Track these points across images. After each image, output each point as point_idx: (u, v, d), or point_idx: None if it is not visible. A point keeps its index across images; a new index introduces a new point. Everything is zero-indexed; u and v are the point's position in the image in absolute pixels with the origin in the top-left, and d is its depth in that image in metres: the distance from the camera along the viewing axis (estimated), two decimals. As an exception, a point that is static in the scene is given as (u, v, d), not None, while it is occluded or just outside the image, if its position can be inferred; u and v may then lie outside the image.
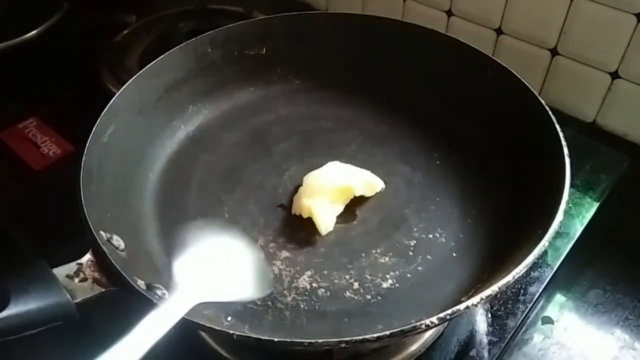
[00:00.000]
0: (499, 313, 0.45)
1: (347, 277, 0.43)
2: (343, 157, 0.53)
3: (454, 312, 0.32)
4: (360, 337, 0.31)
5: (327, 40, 0.59)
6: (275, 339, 0.32)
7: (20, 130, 0.64)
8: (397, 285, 0.43)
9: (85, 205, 0.39)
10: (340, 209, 0.48)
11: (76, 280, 0.35)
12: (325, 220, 0.46)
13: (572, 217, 0.52)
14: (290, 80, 0.61)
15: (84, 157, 0.42)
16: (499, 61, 0.51)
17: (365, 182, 0.49)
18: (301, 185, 0.49)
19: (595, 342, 0.45)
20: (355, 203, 0.48)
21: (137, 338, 0.30)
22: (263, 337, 0.32)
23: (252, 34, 0.58)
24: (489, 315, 0.45)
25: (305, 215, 0.47)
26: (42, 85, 0.72)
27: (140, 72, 0.51)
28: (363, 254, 0.45)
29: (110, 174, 0.46)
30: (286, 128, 0.57)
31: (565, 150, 0.41)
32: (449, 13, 0.67)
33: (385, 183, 0.50)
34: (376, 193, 0.49)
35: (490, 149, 0.52)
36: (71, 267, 0.35)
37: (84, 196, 0.39)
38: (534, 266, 0.48)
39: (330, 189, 0.47)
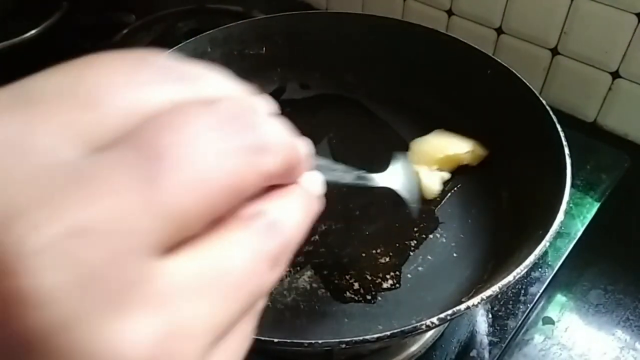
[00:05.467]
0: (500, 313, 0.45)
1: (347, 277, 0.43)
2: (343, 157, 0.53)
3: (454, 313, 0.32)
4: (361, 338, 0.31)
5: (326, 40, 0.59)
6: (275, 340, 0.32)
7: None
8: (397, 285, 0.43)
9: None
10: (447, 176, 0.50)
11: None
12: (430, 185, 0.48)
13: (573, 217, 0.52)
14: (290, 80, 0.61)
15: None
16: (499, 61, 0.50)
17: (472, 151, 0.50)
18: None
19: (596, 343, 0.44)
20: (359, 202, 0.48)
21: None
22: (262, 338, 0.32)
23: (252, 33, 0.58)
24: (490, 316, 0.45)
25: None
26: (42, 85, 0.71)
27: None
28: (363, 254, 0.45)
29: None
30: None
31: (566, 150, 0.41)
32: (450, 12, 0.67)
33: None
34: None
35: (490, 149, 0.51)
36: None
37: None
38: (535, 266, 0.48)
39: (438, 157, 0.49)
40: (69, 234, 0.10)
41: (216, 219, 0.12)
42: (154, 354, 0.10)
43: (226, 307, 0.12)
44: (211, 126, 0.12)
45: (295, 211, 0.14)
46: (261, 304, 0.15)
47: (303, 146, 0.15)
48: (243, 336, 0.14)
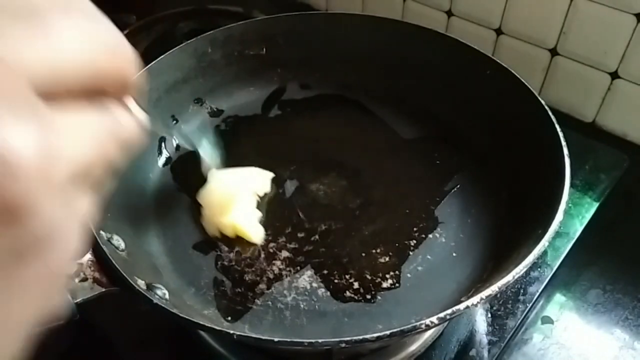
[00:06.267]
0: (499, 313, 0.45)
1: (347, 277, 0.43)
2: (343, 157, 0.53)
3: (453, 312, 0.32)
4: (360, 337, 0.31)
5: (326, 41, 0.59)
6: (275, 339, 0.32)
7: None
8: (396, 285, 0.43)
9: (86, 205, 0.39)
10: (258, 213, 0.48)
11: (76, 280, 0.35)
12: (254, 230, 0.46)
13: (572, 217, 0.52)
14: (290, 80, 0.61)
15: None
16: (498, 61, 0.51)
17: (260, 179, 0.50)
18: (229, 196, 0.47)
19: (594, 342, 0.44)
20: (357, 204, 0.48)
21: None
22: (263, 337, 0.32)
23: (252, 34, 0.58)
24: (489, 315, 0.45)
25: (232, 235, 0.46)
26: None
27: (140, 72, 0.51)
28: (363, 254, 0.45)
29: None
30: (286, 128, 0.57)
31: (565, 150, 0.41)
32: (449, 13, 0.67)
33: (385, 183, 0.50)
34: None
35: (490, 149, 0.52)
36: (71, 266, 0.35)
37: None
38: (534, 266, 0.48)
39: (234, 198, 0.46)
40: None
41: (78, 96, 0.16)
42: (35, 160, 0.13)
43: (85, 152, 0.16)
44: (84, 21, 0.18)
45: (129, 120, 0.20)
46: (106, 182, 0.18)
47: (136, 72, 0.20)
48: (89, 196, 0.17)
